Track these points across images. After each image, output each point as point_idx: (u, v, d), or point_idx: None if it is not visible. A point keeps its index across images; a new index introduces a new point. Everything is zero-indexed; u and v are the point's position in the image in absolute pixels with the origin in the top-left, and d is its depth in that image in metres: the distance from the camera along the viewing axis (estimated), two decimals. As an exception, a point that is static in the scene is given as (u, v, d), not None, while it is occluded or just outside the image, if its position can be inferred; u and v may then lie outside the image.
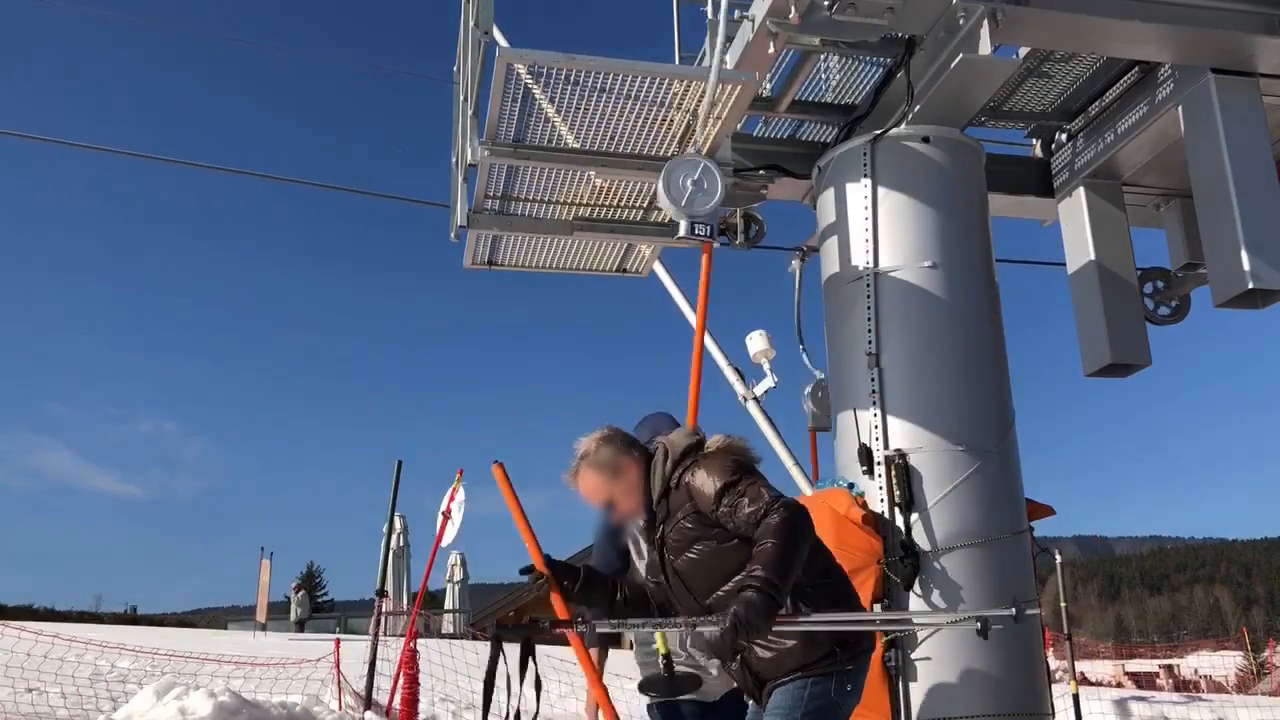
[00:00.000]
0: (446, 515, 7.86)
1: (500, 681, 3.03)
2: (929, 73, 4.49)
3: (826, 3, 4.03)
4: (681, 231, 4.04)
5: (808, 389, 5.78)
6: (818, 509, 3.77)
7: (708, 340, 5.45)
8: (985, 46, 4.12)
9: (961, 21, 4.18)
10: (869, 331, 4.46)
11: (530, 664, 3.05)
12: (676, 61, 4.95)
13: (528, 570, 3.25)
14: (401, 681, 7.55)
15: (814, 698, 2.89)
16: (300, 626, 24.83)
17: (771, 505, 2.82)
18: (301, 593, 27.47)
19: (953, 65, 4.25)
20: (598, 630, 3.20)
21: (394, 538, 15.47)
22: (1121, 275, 5.27)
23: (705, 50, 4.74)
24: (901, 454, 4.27)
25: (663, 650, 3.62)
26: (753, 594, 2.65)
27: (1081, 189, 5.35)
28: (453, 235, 5.01)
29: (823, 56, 5.01)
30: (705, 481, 2.92)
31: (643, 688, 3.65)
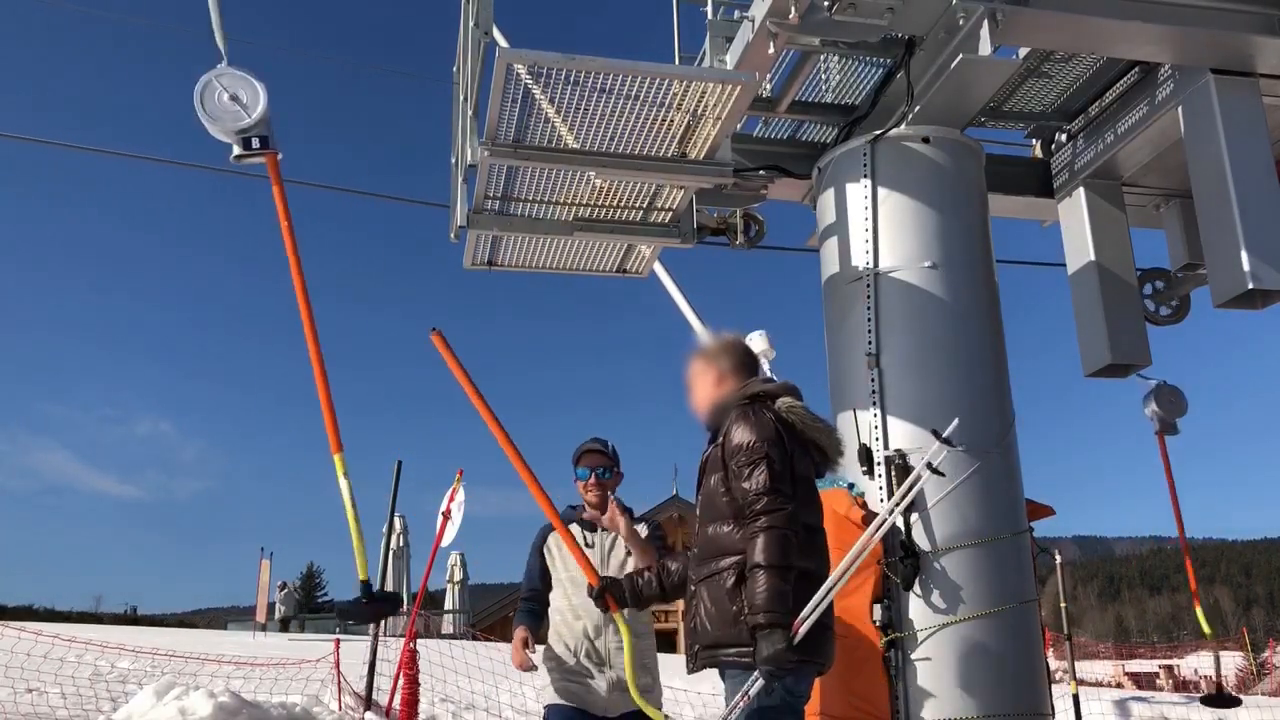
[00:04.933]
0: (446, 516, 7.86)
1: None
2: (929, 73, 4.49)
3: (826, 3, 4.03)
4: (236, 152, 3.77)
5: (1147, 393, 6.42)
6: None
7: (704, 336, 5.45)
8: (985, 47, 4.12)
9: (961, 22, 4.18)
10: (869, 332, 4.46)
11: None
12: (676, 62, 4.95)
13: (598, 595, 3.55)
14: (401, 682, 7.56)
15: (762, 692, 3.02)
16: (284, 625, 24.51)
17: (759, 501, 3.00)
18: (286, 590, 26.92)
19: (953, 66, 4.25)
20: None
21: (394, 538, 15.49)
22: (1121, 275, 5.27)
23: (705, 50, 4.75)
24: (901, 454, 4.27)
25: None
26: (761, 643, 2.89)
27: (1081, 189, 5.35)
28: (453, 235, 5.01)
29: (823, 57, 5.01)
30: (733, 432, 3.15)
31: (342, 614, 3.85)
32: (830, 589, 3.02)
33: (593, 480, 3.99)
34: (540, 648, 3.96)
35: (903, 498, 3.36)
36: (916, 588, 4.11)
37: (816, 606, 2.98)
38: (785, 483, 3.06)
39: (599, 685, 3.78)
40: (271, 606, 27.02)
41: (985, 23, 4.09)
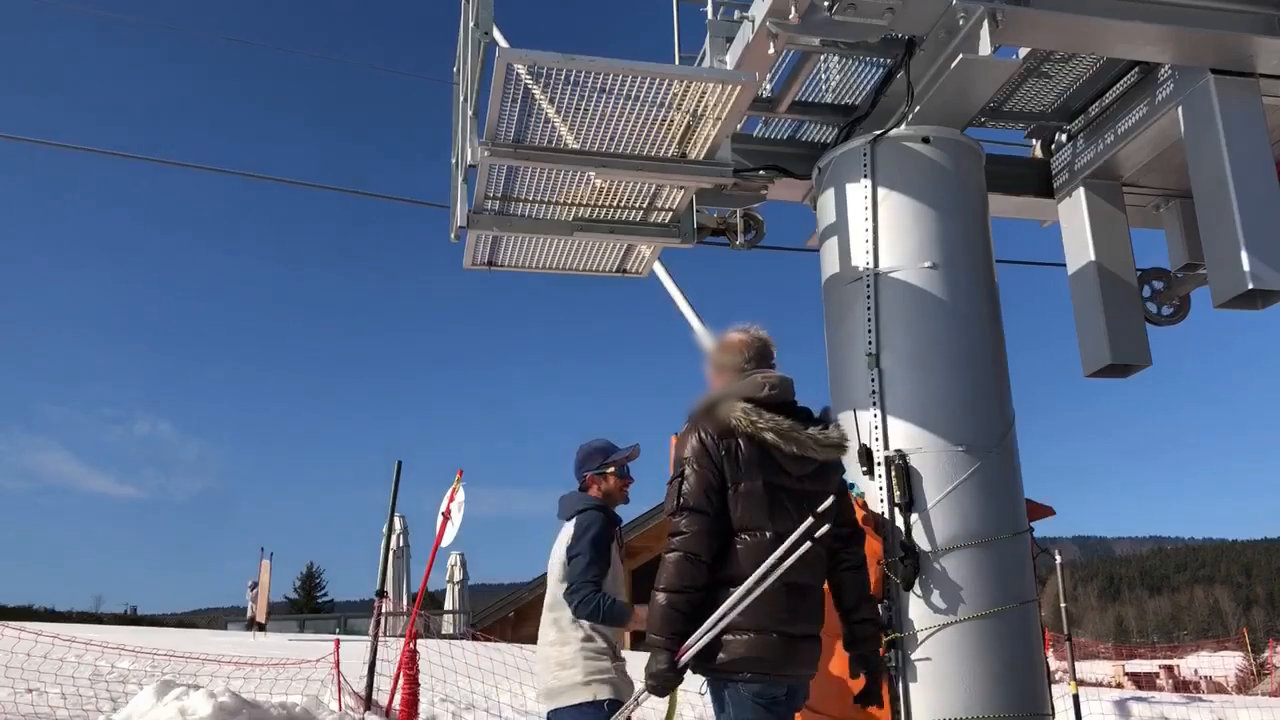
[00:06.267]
0: (446, 516, 7.87)
1: None
2: (929, 73, 4.49)
3: (826, 3, 4.03)
4: None
5: None
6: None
7: (704, 336, 5.45)
8: (985, 47, 4.12)
9: (961, 22, 4.18)
10: (869, 332, 4.46)
11: None
12: (676, 61, 4.95)
13: None
14: (401, 682, 7.57)
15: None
16: (251, 625, 24.16)
17: (672, 524, 3.10)
18: (256, 590, 26.57)
19: (953, 66, 4.24)
20: None
21: (394, 538, 15.45)
22: (1121, 275, 5.27)
23: (705, 50, 4.74)
24: (901, 454, 4.26)
25: None
26: (650, 659, 3.02)
27: (1081, 189, 5.35)
28: (453, 236, 5.01)
29: (823, 57, 5.01)
30: (677, 446, 3.25)
31: None
32: (723, 616, 3.05)
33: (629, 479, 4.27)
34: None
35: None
36: (916, 588, 4.11)
37: (708, 631, 3.04)
38: (700, 500, 3.09)
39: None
40: (286, 607, 26.85)
41: (985, 23, 4.09)
